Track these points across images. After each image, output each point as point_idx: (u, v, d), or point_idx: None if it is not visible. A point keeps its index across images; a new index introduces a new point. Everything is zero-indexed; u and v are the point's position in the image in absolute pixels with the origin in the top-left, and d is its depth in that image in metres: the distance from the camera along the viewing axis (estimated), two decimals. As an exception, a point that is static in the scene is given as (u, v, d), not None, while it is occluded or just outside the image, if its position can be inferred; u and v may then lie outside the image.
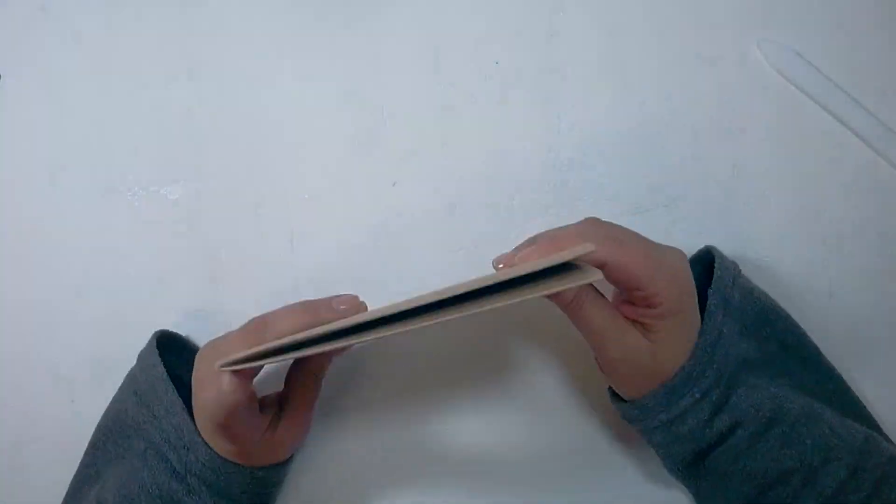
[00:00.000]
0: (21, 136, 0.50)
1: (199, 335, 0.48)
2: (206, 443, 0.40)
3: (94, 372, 0.49)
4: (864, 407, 0.43)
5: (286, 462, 0.45)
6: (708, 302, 0.40)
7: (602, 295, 0.39)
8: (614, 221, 0.47)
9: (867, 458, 0.37)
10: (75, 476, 0.45)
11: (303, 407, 0.43)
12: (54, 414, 0.49)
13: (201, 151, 0.50)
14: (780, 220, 0.49)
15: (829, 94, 0.49)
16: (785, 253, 0.48)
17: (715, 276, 0.41)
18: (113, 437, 0.43)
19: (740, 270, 0.43)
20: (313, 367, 0.43)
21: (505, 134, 0.49)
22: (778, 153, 0.49)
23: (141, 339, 0.48)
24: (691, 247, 0.48)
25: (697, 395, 0.38)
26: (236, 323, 0.48)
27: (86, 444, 0.46)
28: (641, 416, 0.40)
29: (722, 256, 0.43)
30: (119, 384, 0.47)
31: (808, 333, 0.44)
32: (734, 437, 0.38)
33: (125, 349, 0.48)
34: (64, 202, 0.50)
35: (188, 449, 0.40)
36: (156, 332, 0.45)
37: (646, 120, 0.49)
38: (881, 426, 0.43)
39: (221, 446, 0.40)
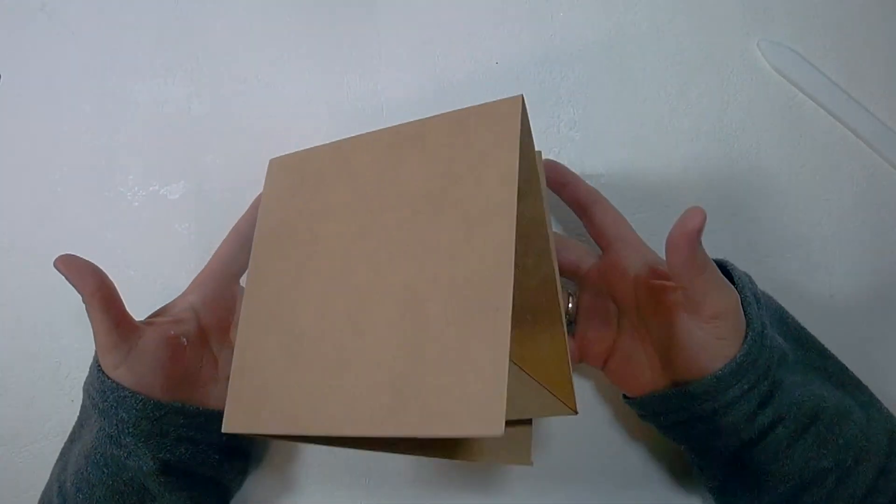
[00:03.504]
0: (21, 136, 0.50)
1: (199, 335, 0.48)
2: (119, 384, 0.38)
3: (94, 372, 0.49)
4: (876, 397, 0.42)
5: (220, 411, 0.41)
6: (742, 296, 0.38)
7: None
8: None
9: (892, 459, 0.37)
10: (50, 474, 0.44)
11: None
12: (54, 414, 0.49)
13: (201, 151, 0.50)
14: (780, 219, 0.49)
15: (829, 94, 0.49)
16: (785, 253, 0.48)
17: (736, 275, 0.40)
18: (79, 422, 0.43)
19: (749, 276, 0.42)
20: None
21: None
22: (778, 153, 0.49)
23: (141, 339, 0.48)
24: (691, 247, 0.48)
25: (746, 387, 0.37)
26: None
27: (86, 444, 0.46)
28: (677, 409, 0.38)
29: (734, 267, 0.42)
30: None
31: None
32: (774, 435, 0.37)
33: (125, 349, 0.49)
34: (64, 202, 0.50)
35: (109, 403, 0.38)
36: None
37: (646, 120, 0.49)
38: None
39: (145, 374, 0.39)
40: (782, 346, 0.39)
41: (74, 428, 0.43)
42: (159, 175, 0.50)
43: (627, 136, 0.49)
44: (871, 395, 0.42)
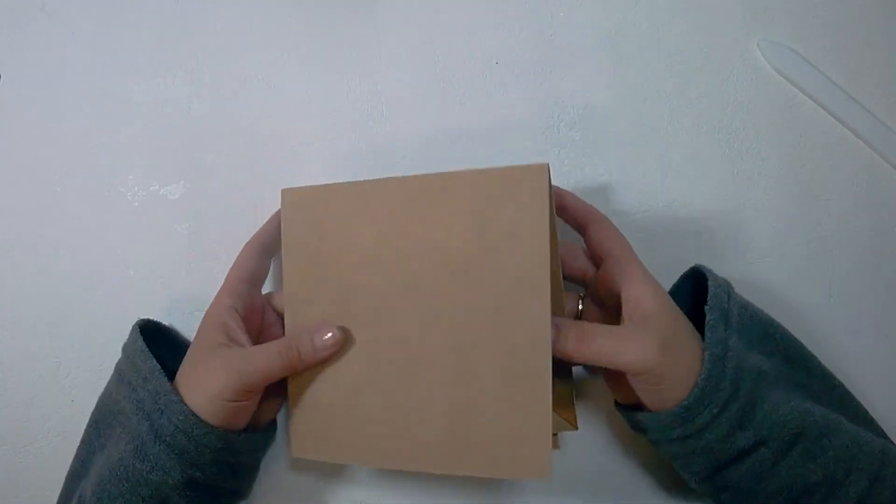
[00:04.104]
0: (21, 136, 0.50)
1: (199, 335, 0.48)
2: (182, 401, 0.39)
3: (94, 372, 0.49)
4: (867, 411, 0.43)
5: (262, 432, 0.43)
6: (707, 317, 0.39)
7: (603, 325, 0.39)
8: (615, 220, 0.47)
9: (886, 467, 0.37)
10: (66, 476, 0.44)
11: (266, 370, 0.41)
12: (54, 414, 0.49)
13: (201, 151, 0.50)
14: (780, 219, 0.49)
15: (829, 94, 0.49)
16: (785, 253, 0.48)
17: (710, 292, 0.40)
18: (97, 428, 0.43)
19: (732, 287, 0.42)
20: (299, 344, 0.42)
21: (505, 134, 0.49)
22: (778, 153, 0.49)
23: (141, 339, 0.48)
24: (691, 246, 0.48)
25: (715, 411, 0.37)
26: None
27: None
28: (655, 430, 0.39)
29: (713, 274, 0.42)
30: (119, 384, 0.48)
31: (808, 334, 0.44)
32: (757, 455, 0.37)
33: (125, 349, 0.49)
34: (64, 202, 0.50)
35: (161, 412, 0.39)
36: (138, 320, 0.45)
37: (646, 120, 0.49)
38: (883, 427, 0.43)
39: (204, 403, 0.39)
40: (758, 365, 0.39)
41: (88, 432, 0.43)
42: (159, 175, 0.50)
43: (627, 136, 0.49)
44: (858, 407, 0.42)
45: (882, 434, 0.42)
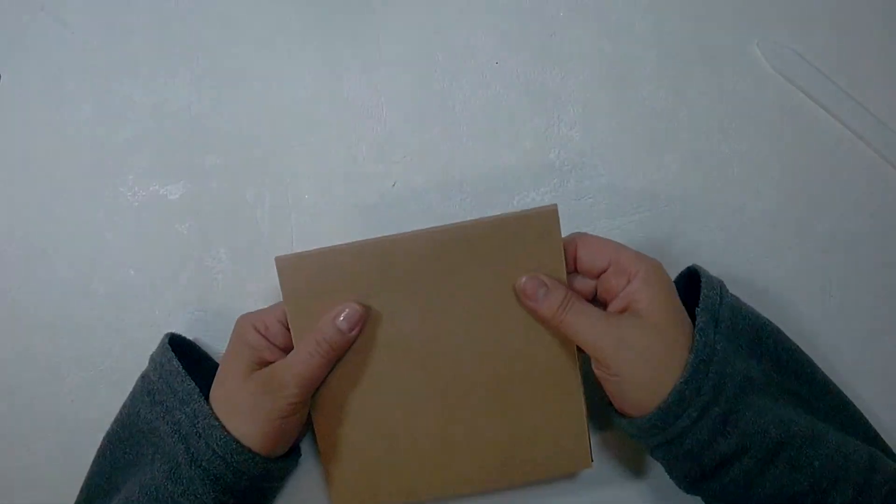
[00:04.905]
0: (21, 136, 0.50)
1: (199, 335, 0.48)
2: (223, 426, 0.39)
3: (94, 372, 0.49)
4: (864, 417, 0.42)
5: (291, 457, 0.44)
6: (697, 320, 0.39)
7: (591, 305, 0.40)
8: (614, 221, 0.47)
9: (873, 475, 0.37)
10: (84, 488, 0.44)
11: (306, 371, 0.41)
12: (54, 414, 0.49)
13: (201, 151, 0.50)
14: (780, 219, 0.49)
15: (829, 94, 0.49)
16: (784, 253, 0.48)
17: (702, 294, 0.40)
18: (123, 445, 0.42)
19: (727, 288, 0.42)
20: (325, 334, 0.41)
21: (505, 134, 0.49)
22: (778, 153, 0.49)
23: (141, 338, 0.48)
24: (691, 246, 0.48)
25: (695, 415, 0.37)
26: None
27: (85, 444, 0.46)
28: (640, 434, 0.39)
29: (708, 275, 0.42)
30: (118, 384, 0.47)
31: (808, 334, 0.44)
32: (741, 464, 0.37)
33: (125, 349, 0.49)
34: (64, 202, 0.50)
35: (200, 436, 0.39)
36: (166, 334, 0.45)
37: (646, 120, 0.49)
38: (881, 429, 0.43)
39: (248, 429, 0.39)
40: (744, 370, 0.39)
41: (111, 448, 0.43)
42: (159, 175, 0.50)
43: (627, 136, 0.49)
44: (854, 415, 0.42)
45: (877, 441, 0.42)
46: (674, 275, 0.45)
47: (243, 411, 0.40)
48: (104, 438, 0.44)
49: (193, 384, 0.41)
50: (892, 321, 0.48)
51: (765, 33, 0.50)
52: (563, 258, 0.41)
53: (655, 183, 0.49)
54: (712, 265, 0.46)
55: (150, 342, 0.46)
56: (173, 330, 0.47)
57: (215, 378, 0.42)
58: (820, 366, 0.42)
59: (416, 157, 0.49)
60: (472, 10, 0.50)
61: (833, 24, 0.50)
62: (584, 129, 0.49)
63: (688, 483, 0.40)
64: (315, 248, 0.41)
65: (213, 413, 0.40)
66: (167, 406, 0.41)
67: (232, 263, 0.49)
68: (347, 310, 0.40)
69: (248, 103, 0.50)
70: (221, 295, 0.49)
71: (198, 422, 0.39)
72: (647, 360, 0.38)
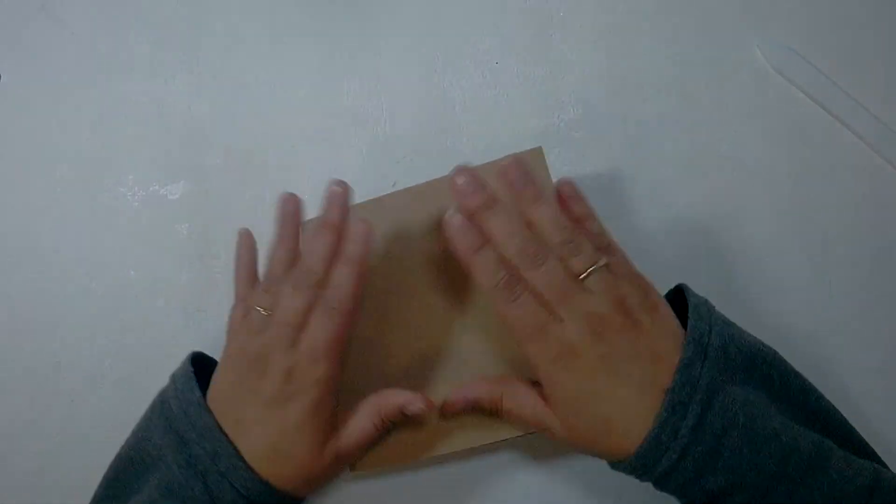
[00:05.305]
0: (21, 135, 0.50)
1: (199, 335, 0.48)
2: (249, 468, 0.37)
3: (94, 372, 0.49)
4: (861, 440, 0.40)
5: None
6: (681, 356, 0.36)
7: (526, 385, 0.40)
8: (615, 221, 0.47)
9: (876, 496, 0.35)
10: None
11: (363, 442, 0.40)
12: (54, 414, 0.49)
13: (201, 151, 0.50)
14: (780, 219, 0.49)
15: (829, 94, 0.49)
16: (784, 253, 0.48)
17: (690, 325, 0.37)
18: (134, 468, 0.40)
19: (716, 312, 0.39)
20: (389, 413, 0.40)
21: (505, 133, 0.49)
22: (778, 153, 0.49)
23: (141, 339, 0.48)
24: (691, 246, 0.48)
25: (675, 457, 0.35)
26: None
27: (85, 444, 0.47)
28: (627, 472, 0.37)
29: (696, 299, 0.39)
30: (118, 384, 0.48)
31: (808, 334, 0.43)
32: (734, 500, 0.35)
33: (125, 349, 0.49)
34: (64, 202, 0.50)
35: (222, 475, 0.37)
36: (190, 354, 0.42)
37: (646, 120, 0.49)
38: (881, 429, 0.43)
39: (280, 471, 0.38)
40: (741, 397, 0.36)
41: (123, 469, 0.40)
42: (159, 175, 0.50)
43: (628, 136, 0.49)
44: (850, 434, 0.40)
45: (872, 456, 0.40)
46: (677, 275, 0.45)
47: (284, 455, 0.38)
48: (115, 460, 0.41)
49: (212, 419, 0.38)
50: (893, 321, 0.48)
51: (765, 33, 0.50)
52: (554, 196, 0.41)
53: (655, 183, 0.49)
54: (712, 267, 0.46)
55: (150, 342, 0.46)
56: (173, 329, 0.47)
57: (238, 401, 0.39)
58: (819, 367, 0.42)
59: (416, 157, 0.49)
60: (472, 10, 0.50)
61: (833, 24, 0.50)
62: (585, 128, 0.49)
63: None
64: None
65: (238, 454, 0.37)
66: (183, 437, 0.38)
67: (232, 263, 0.49)
68: (420, 405, 0.40)
69: (248, 104, 0.50)
70: (221, 295, 0.49)
71: (219, 460, 0.37)
72: (605, 420, 0.36)
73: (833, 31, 0.50)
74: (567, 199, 0.42)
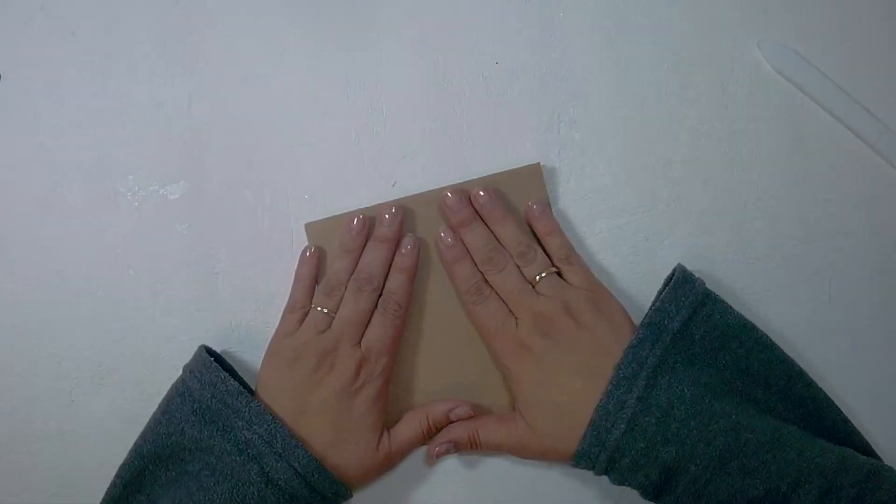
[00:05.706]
0: (21, 136, 0.50)
1: (199, 335, 0.48)
2: (307, 447, 0.41)
3: (94, 372, 0.49)
4: (854, 430, 0.42)
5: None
6: (633, 336, 0.41)
7: (496, 416, 0.45)
8: (615, 221, 0.47)
9: (841, 477, 0.37)
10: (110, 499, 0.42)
11: (412, 444, 0.45)
12: (54, 414, 0.49)
13: (201, 151, 0.50)
14: (780, 220, 0.49)
15: (829, 94, 0.49)
16: (784, 253, 0.48)
17: (651, 309, 0.42)
18: (164, 463, 0.41)
19: (699, 291, 0.42)
20: (436, 418, 0.45)
21: (505, 133, 0.49)
22: (778, 153, 0.49)
23: (140, 338, 0.48)
24: (691, 246, 0.48)
25: (623, 427, 0.39)
26: (236, 323, 0.48)
27: (85, 444, 0.47)
28: (585, 463, 0.41)
29: (680, 280, 0.43)
30: (118, 384, 0.47)
31: (808, 334, 0.43)
32: (688, 475, 0.38)
33: (125, 349, 0.49)
34: (64, 202, 0.50)
35: (280, 456, 0.40)
36: (203, 346, 0.45)
37: (646, 120, 0.49)
38: (881, 429, 0.42)
39: (339, 459, 0.42)
40: (693, 379, 0.39)
41: (152, 467, 0.42)
42: (159, 175, 0.50)
43: (627, 136, 0.49)
44: (836, 417, 0.41)
45: (865, 445, 0.41)
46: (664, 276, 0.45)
47: (343, 443, 0.42)
48: (135, 457, 0.42)
49: (259, 405, 0.41)
50: (892, 321, 0.48)
51: (765, 33, 0.50)
52: (526, 214, 0.46)
53: (655, 183, 0.49)
54: (712, 265, 0.46)
55: (150, 342, 0.46)
56: (173, 329, 0.47)
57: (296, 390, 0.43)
58: (819, 366, 0.42)
59: (416, 157, 0.49)
60: (473, 10, 0.50)
61: (833, 24, 0.50)
62: (585, 129, 0.49)
63: (650, 498, 0.40)
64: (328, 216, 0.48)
65: (292, 433, 0.41)
66: (230, 425, 0.41)
67: (232, 263, 0.49)
68: (464, 410, 0.45)
69: (248, 104, 0.50)
70: (221, 295, 0.49)
71: (275, 442, 0.40)
72: (556, 406, 0.41)
73: (833, 31, 0.50)
74: (533, 217, 0.46)
